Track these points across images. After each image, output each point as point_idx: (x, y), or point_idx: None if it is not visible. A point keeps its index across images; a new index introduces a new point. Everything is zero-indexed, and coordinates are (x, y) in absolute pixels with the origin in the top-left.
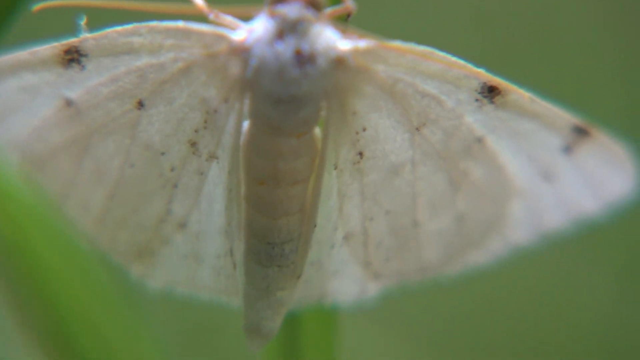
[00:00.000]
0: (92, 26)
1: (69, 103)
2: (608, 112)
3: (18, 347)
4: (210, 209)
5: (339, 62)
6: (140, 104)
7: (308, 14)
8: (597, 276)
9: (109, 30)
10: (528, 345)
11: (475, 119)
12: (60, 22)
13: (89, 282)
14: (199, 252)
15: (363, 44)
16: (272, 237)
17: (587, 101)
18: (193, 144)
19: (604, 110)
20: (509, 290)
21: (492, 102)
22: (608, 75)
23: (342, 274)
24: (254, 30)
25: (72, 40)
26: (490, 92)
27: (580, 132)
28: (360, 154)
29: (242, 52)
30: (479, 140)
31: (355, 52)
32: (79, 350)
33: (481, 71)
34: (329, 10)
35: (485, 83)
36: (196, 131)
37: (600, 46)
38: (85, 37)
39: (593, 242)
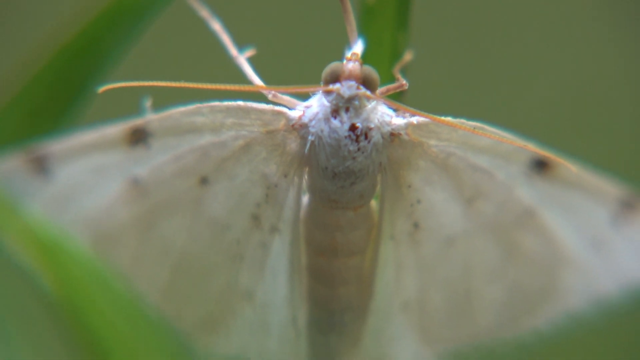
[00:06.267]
0: (156, 105)
1: (135, 182)
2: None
3: None
4: (275, 279)
5: (393, 137)
6: (204, 181)
7: (362, 91)
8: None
9: (172, 110)
10: None
11: (525, 192)
12: (125, 103)
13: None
14: (264, 322)
15: (416, 119)
16: (332, 306)
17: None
18: (255, 218)
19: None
20: None
21: (540, 175)
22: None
23: (398, 340)
24: (310, 108)
25: (138, 121)
26: (539, 165)
27: (627, 205)
28: (416, 225)
29: (299, 128)
30: (529, 212)
31: (409, 127)
32: None
33: (530, 145)
34: (382, 88)
35: (534, 157)
36: (258, 205)
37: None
38: (151, 118)
39: None
